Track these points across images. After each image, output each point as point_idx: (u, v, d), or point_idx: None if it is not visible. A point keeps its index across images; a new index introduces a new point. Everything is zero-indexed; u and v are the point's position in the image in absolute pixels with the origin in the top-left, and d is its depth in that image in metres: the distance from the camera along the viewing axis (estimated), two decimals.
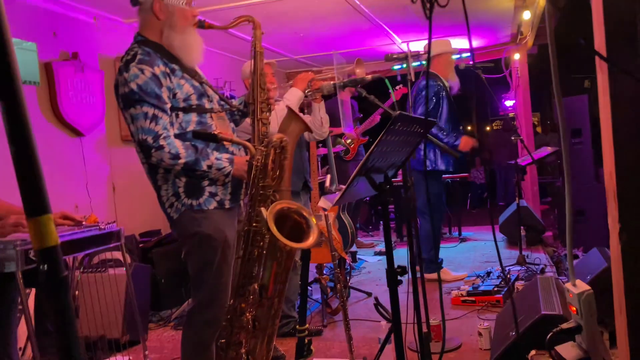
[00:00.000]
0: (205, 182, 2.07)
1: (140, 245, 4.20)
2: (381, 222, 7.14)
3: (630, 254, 1.05)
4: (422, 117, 1.84)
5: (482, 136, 13.85)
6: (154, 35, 2.07)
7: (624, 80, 1.00)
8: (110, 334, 3.24)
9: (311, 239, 1.78)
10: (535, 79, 7.19)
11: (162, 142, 1.95)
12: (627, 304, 1.08)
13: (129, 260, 3.46)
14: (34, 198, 0.91)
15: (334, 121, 5.27)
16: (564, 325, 1.16)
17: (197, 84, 2.12)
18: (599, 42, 1.00)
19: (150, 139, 1.95)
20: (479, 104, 15.18)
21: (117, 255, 3.54)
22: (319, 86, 2.75)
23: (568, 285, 1.15)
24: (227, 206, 2.11)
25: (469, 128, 16.44)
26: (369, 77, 2.23)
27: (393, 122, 1.66)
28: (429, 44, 1.24)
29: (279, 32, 5.21)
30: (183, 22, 2.07)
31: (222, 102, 2.22)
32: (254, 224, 1.88)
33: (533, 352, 1.96)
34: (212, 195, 2.08)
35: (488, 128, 14.79)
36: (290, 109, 2.17)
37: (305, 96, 2.70)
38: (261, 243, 1.89)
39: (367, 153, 1.72)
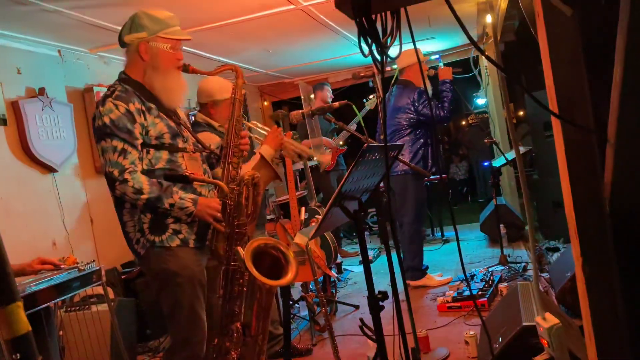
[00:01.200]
0: (170, 220, 2.09)
1: (123, 276, 4.15)
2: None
3: (594, 286, 1.09)
4: (389, 144, 1.86)
5: (458, 132, 13.98)
6: (136, 74, 2.14)
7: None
8: None
9: (290, 275, 1.79)
10: (506, 73, 7.29)
11: (127, 176, 1.99)
12: (595, 333, 1.11)
13: (111, 295, 3.43)
14: (1, 289, 0.91)
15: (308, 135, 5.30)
16: (537, 358, 1.19)
17: (172, 124, 2.15)
18: (550, 94, 1.03)
19: (116, 172, 2.00)
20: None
21: (100, 290, 3.50)
22: (290, 149, 2.71)
23: (538, 320, 1.18)
24: (191, 245, 2.12)
25: (445, 124, 16.57)
26: (336, 104, 2.26)
27: (361, 155, 1.68)
28: (383, 96, 1.26)
29: (249, 49, 5.22)
30: (167, 64, 2.13)
31: (198, 145, 2.24)
32: (232, 263, 1.88)
33: None
34: (176, 232, 2.10)
35: (464, 122, 14.94)
36: (262, 157, 2.19)
37: None
38: (241, 281, 1.90)
39: (339, 185, 1.74)
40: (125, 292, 4.05)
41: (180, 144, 2.15)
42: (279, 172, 2.47)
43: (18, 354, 0.93)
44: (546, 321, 1.11)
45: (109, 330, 3.28)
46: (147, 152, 2.08)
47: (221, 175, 2.07)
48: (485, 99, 6.97)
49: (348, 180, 1.73)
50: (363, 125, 2.25)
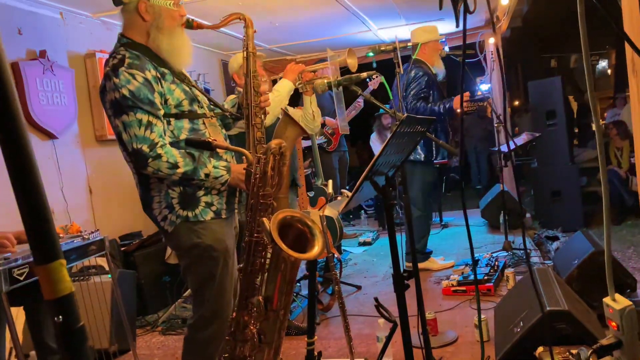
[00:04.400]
0: (201, 192, 1.98)
1: (122, 248, 4.06)
2: (362, 210, 7.13)
3: None
4: (425, 117, 1.78)
5: (455, 118, 13.88)
6: (139, 37, 1.96)
7: None
8: (99, 345, 3.12)
9: (317, 249, 1.72)
10: (506, 59, 7.23)
11: (159, 150, 1.85)
12: None
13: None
14: (43, 244, 0.82)
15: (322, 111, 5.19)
16: (604, 341, 1.14)
17: (187, 88, 2.01)
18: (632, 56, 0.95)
19: (146, 148, 1.85)
20: (450, 87, 15.21)
21: (99, 261, 3.41)
22: (309, 78, 2.67)
23: (607, 300, 1.12)
24: (223, 216, 2.03)
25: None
26: (364, 74, 2.16)
27: (400, 125, 1.61)
28: (464, 46, 1.18)
29: (254, 21, 5.06)
30: (170, 23, 1.96)
31: (213, 107, 2.12)
32: (255, 235, 1.80)
33: (540, 348, 1.96)
34: (208, 205, 1.99)
35: (459, 110, 14.81)
36: (286, 113, 2.10)
37: (296, 88, 2.65)
38: (263, 253, 1.83)
39: (375, 157, 1.66)
40: (124, 264, 3.96)
41: (198, 110, 2.02)
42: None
43: (61, 316, 0.84)
44: (618, 303, 1.06)
45: (110, 301, 3.20)
46: (168, 123, 1.93)
47: (247, 139, 1.98)
48: (489, 85, 6.88)
49: (384, 152, 1.65)
50: (391, 97, 2.16)
